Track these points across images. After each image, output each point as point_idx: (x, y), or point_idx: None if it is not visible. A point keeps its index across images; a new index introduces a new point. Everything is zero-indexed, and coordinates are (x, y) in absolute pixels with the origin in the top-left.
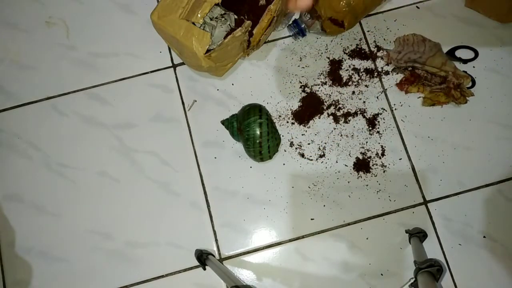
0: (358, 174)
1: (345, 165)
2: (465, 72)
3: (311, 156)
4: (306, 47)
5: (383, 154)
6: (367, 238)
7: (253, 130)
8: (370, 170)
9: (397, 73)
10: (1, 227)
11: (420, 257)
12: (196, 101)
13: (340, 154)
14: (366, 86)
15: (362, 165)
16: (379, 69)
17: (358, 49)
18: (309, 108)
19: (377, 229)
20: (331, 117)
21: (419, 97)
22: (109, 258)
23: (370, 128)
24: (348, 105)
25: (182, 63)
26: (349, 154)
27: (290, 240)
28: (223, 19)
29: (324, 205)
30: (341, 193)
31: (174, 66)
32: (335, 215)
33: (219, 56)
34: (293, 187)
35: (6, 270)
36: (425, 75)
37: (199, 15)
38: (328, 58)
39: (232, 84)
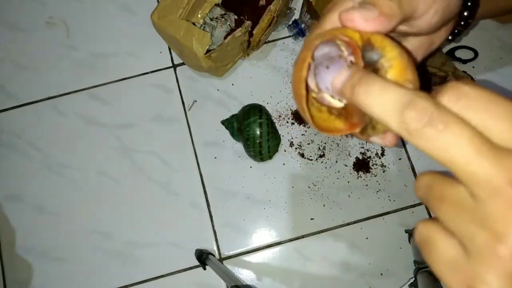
0: (358, 174)
1: (345, 165)
2: (465, 72)
3: (311, 156)
4: None
5: (382, 154)
6: (367, 238)
7: (253, 130)
8: (370, 170)
9: None
10: (1, 227)
11: (420, 257)
12: (196, 101)
13: (340, 154)
14: None
15: (361, 165)
16: None
17: None
18: None
19: (377, 229)
20: None
21: None
22: (109, 258)
23: None
24: None
25: (182, 63)
26: (349, 154)
27: (290, 240)
28: (223, 19)
29: (324, 205)
30: (341, 193)
31: (174, 66)
32: (335, 215)
33: (219, 57)
34: (293, 187)
35: (6, 270)
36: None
37: (199, 16)
38: None
39: (232, 84)
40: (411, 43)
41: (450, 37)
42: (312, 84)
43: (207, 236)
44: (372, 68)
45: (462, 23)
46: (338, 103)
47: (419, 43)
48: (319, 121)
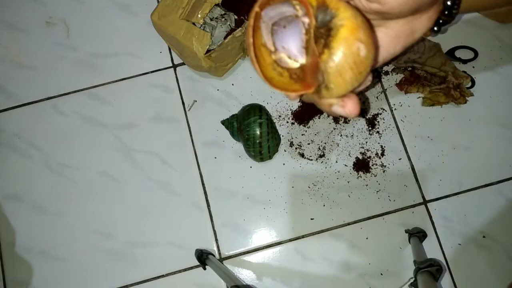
0: (358, 174)
1: (345, 165)
2: (465, 72)
3: (311, 156)
4: None
5: (382, 154)
6: (367, 238)
7: (253, 130)
8: (370, 170)
9: (397, 73)
10: (1, 226)
11: (419, 257)
12: (196, 101)
13: (340, 154)
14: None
15: (361, 165)
16: (379, 69)
17: None
18: (309, 108)
19: (376, 229)
20: (331, 117)
21: (419, 97)
22: (109, 258)
23: (370, 128)
24: None
25: (182, 63)
26: (349, 154)
27: (290, 240)
28: (223, 19)
29: (324, 205)
30: (341, 193)
31: (174, 66)
32: (334, 214)
33: (219, 56)
34: (293, 187)
35: (6, 270)
36: (424, 75)
37: (199, 16)
38: None
39: (232, 84)
40: (391, 28)
41: (435, 28)
42: (269, 44)
43: (207, 236)
44: (326, 27)
45: (446, 12)
46: (294, 64)
47: (400, 29)
48: (278, 83)
